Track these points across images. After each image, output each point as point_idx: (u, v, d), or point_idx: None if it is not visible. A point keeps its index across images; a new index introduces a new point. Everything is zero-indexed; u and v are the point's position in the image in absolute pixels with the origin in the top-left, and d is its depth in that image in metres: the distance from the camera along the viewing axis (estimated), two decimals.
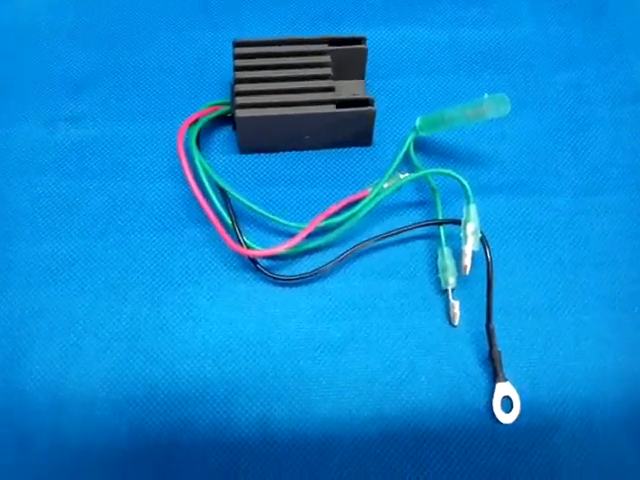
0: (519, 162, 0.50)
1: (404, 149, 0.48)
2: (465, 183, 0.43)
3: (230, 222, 0.45)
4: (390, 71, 0.54)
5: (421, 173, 0.45)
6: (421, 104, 0.53)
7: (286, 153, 0.50)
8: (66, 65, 0.54)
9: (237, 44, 0.48)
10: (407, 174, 0.48)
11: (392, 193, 0.46)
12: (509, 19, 0.57)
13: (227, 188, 0.46)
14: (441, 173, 0.45)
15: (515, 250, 0.47)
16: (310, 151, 0.51)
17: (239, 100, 0.47)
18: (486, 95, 0.44)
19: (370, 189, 0.47)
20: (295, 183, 0.49)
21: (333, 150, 0.51)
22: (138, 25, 0.56)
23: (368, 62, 0.51)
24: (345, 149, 0.51)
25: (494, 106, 0.44)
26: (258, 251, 0.44)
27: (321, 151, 0.51)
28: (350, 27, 0.56)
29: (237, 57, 0.48)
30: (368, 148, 0.51)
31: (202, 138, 0.49)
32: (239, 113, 0.46)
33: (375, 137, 0.50)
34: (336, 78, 0.49)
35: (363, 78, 0.52)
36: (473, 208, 0.43)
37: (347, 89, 0.51)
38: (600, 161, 0.51)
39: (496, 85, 0.54)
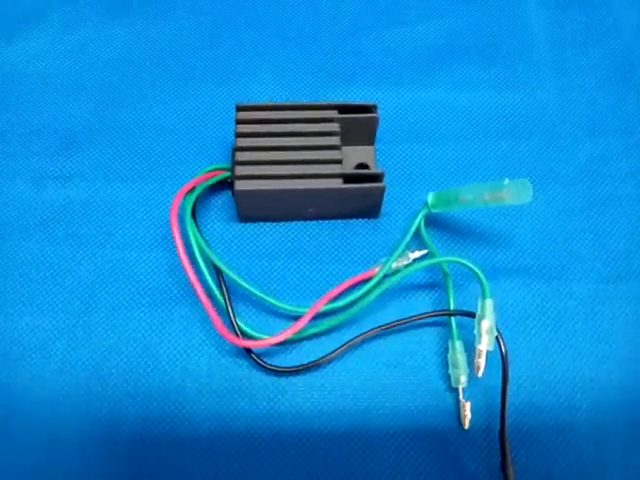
0: (537, 243, 0.47)
1: (414, 227, 0.45)
2: (482, 276, 0.39)
3: (224, 304, 0.42)
4: (401, 135, 0.51)
5: (435, 261, 0.42)
6: (432, 173, 0.49)
7: (288, 223, 0.47)
8: (58, 118, 0.51)
9: (240, 108, 0.45)
10: (417, 252, 0.45)
11: (400, 280, 0.42)
12: (531, 82, 0.53)
13: (222, 267, 0.42)
14: (456, 262, 0.41)
15: (532, 342, 0.43)
16: (313, 221, 0.47)
17: (239, 170, 0.43)
18: (506, 180, 0.41)
19: (377, 269, 0.44)
20: (297, 256, 0.46)
21: (338, 221, 0.47)
22: (137, 78, 0.52)
23: (379, 125, 0.47)
24: (351, 220, 0.47)
25: (514, 193, 0.40)
26: (253, 342, 0.40)
27: (325, 222, 0.47)
28: (361, 87, 0.53)
29: (239, 122, 0.45)
30: (375, 219, 0.47)
31: (199, 203, 0.46)
32: (238, 185, 0.43)
33: (383, 206, 0.47)
34: (344, 144, 0.46)
35: (373, 144, 0.49)
36: (489, 303, 0.39)
37: (355, 156, 0.48)
38: (625, 244, 0.47)
39: (514, 155, 0.50)
